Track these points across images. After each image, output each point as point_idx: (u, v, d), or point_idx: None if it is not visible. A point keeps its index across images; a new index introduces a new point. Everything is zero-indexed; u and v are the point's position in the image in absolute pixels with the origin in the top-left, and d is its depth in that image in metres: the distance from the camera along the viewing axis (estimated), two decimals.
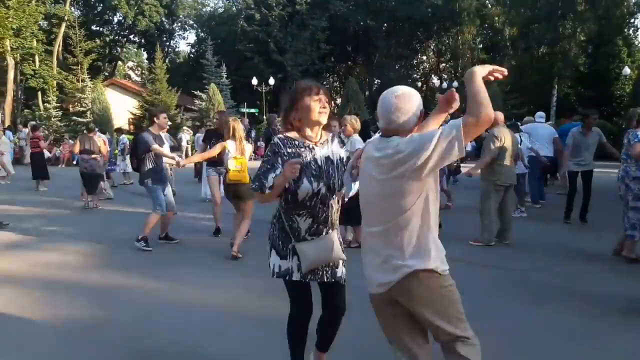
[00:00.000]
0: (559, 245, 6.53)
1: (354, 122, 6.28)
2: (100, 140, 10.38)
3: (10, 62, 32.10)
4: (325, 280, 2.59)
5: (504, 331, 3.66)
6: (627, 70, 27.31)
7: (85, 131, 10.55)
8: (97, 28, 47.19)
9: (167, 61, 43.92)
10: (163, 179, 6.52)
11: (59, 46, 38.93)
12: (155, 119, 6.57)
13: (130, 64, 57.18)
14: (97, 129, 11.07)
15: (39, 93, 36.01)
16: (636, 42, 33.86)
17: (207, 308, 4.24)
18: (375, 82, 45.56)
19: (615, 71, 29.92)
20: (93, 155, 9.79)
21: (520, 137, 8.46)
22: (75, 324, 3.94)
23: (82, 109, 26.69)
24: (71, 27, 32.39)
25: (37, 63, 36.44)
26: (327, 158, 2.57)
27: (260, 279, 4.33)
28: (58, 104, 27.65)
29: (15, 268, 5.58)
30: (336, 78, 47.80)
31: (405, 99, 2.15)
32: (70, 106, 28.28)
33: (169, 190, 6.67)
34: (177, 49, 57.70)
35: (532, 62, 32.52)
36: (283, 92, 34.46)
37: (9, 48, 30.84)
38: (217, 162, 6.83)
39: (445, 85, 31.75)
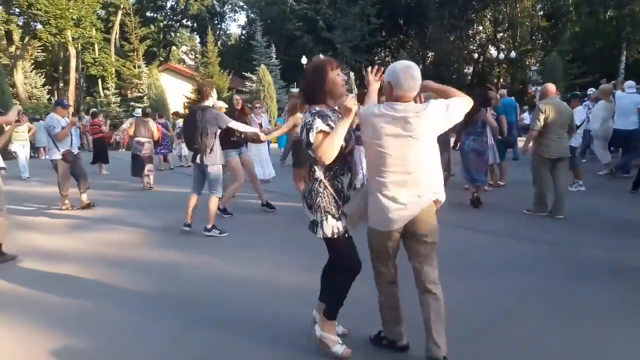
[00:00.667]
0: (617, 218, 6.32)
1: None
2: (154, 125, 10.75)
3: (72, 51, 33.55)
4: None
5: (546, 306, 3.71)
6: None
7: (141, 116, 10.89)
8: (151, 14, 48.37)
9: (219, 44, 44.53)
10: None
11: (116, 34, 40.27)
12: (210, 93, 6.11)
13: (184, 48, 58.39)
14: (148, 113, 11.38)
15: (99, 80, 37.53)
16: None
17: (259, 282, 4.40)
18: (429, 55, 44.29)
19: None
20: (145, 140, 10.17)
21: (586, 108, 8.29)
22: (133, 297, 4.23)
23: (139, 94, 27.62)
24: (127, 14, 33.39)
25: (97, 51, 37.91)
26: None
27: (307, 255, 4.42)
28: (116, 91, 28.72)
29: (77, 247, 5.99)
30: (388, 53, 46.83)
31: None
32: (129, 92, 29.33)
33: None
34: (228, 32, 58.36)
35: (597, 27, 30.46)
36: None
37: (70, 38, 32.22)
38: (236, 144, 7.03)
39: (502, 56, 30.22)
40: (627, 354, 3.01)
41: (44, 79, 34.38)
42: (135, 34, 29.53)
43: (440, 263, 2.86)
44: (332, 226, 2.76)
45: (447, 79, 36.26)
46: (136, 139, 10.33)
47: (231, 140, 6.88)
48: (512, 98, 12.32)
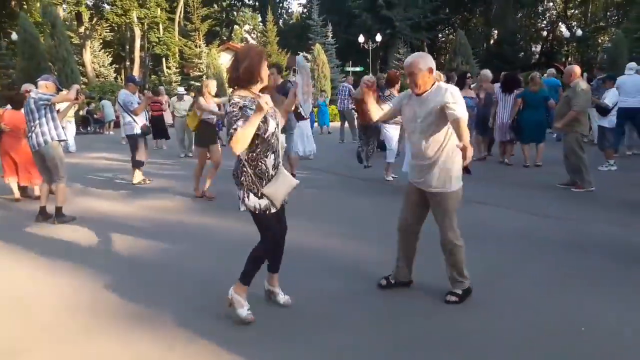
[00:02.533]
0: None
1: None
2: (203, 100, 11.16)
3: (137, 31, 34.93)
4: (284, 203, 3.25)
5: (541, 273, 3.99)
6: None
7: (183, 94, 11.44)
8: None
9: (280, 23, 44.83)
10: None
11: (180, 13, 41.46)
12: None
13: (246, 27, 59.26)
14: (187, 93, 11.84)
15: (163, 59, 38.93)
16: None
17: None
18: (494, 33, 42.62)
19: None
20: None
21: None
22: (173, 257, 4.65)
23: (199, 73, 28.47)
24: None
25: (161, 31, 39.24)
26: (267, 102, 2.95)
27: (326, 223, 4.98)
28: (178, 69, 29.75)
29: (128, 210, 6.68)
30: (451, 30, 45.47)
31: None
32: (190, 71, 30.29)
33: None
34: (289, 10, 58.59)
35: None
36: (391, 49, 33.66)
37: (135, 19, 33.55)
38: None
39: (568, 33, 28.54)
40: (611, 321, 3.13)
41: (112, 58, 36.10)
42: (197, 13, 30.30)
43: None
44: (253, 203, 3.04)
45: (511, 59, 34.81)
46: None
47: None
48: (555, 78, 12.00)
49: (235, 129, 2.85)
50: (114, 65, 36.58)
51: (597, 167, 8.22)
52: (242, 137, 2.83)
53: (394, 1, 33.58)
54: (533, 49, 43.60)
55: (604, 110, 8.50)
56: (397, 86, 7.52)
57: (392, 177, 8.01)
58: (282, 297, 3.45)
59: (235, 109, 2.90)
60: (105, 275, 4.17)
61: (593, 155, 8.67)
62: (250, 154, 3.02)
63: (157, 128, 13.57)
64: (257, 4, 52.89)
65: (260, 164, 3.03)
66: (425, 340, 2.98)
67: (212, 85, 7.48)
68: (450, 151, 3.27)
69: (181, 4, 40.65)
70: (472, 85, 9.69)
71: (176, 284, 4.00)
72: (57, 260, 4.62)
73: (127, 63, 42.37)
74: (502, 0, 37.51)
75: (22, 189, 7.53)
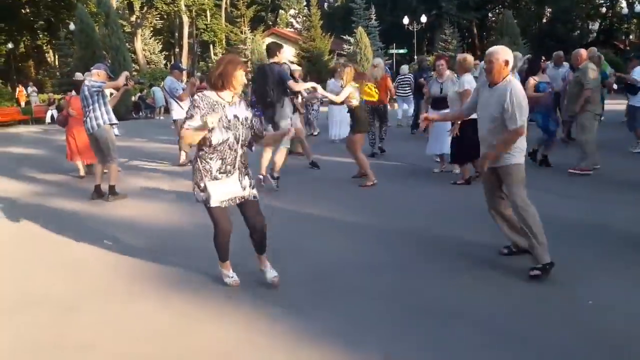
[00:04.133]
0: None
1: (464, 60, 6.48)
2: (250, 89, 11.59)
3: (185, 19, 35.84)
4: (238, 202, 3.45)
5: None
6: None
7: None
8: None
9: (325, 6, 44.75)
10: None
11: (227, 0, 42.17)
12: (277, 52, 6.44)
13: (292, 12, 59.37)
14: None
15: (211, 46, 39.79)
16: None
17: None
18: (546, 11, 40.96)
19: None
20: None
21: None
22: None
23: (244, 59, 29.00)
24: None
25: (209, 17, 40.07)
26: (235, 115, 3.30)
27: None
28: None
29: (172, 188, 7.17)
30: (501, 9, 43.96)
31: None
32: None
33: None
34: None
35: None
36: (437, 30, 33.07)
37: (183, 7, 34.45)
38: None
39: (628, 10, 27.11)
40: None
41: (161, 45, 37.24)
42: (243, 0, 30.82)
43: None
44: (195, 193, 3.39)
45: (564, 38, 33.48)
46: None
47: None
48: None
49: (182, 125, 3.23)
50: (163, 53, 37.74)
51: (627, 148, 8.08)
52: (184, 136, 3.21)
53: None
54: (590, 26, 41.64)
55: (633, 88, 8.20)
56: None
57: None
58: (269, 274, 3.64)
59: (193, 104, 3.23)
60: (148, 243, 4.70)
61: (624, 136, 8.54)
62: (199, 151, 3.34)
63: None
64: None
65: (205, 162, 3.31)
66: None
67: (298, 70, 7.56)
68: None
69: None
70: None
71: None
72: (106, 231, 5.17)
73: (177, 50, 43.60)
74: None
75: (89, 167, 8.18)
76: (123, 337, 3.04)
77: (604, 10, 41.51)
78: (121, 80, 6.67)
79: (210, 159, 3.29)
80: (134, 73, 24.28)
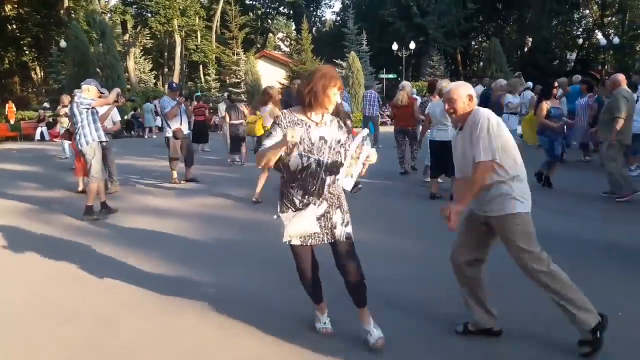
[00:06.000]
0: None
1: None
2: (244, 107, 11.91)
3: (178, 39, 36.18)
4: (326, 241, 2.91)
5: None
6: None
7: (230, 101, 12.21)
8: (250, 2, 50.43)
9: (313, 31, 45.50)
10: None
11: (217, 22, 42.62)
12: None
13: (280, 35, 60.27)
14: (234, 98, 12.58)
15: (200, 66, 40.06)
16: None
17: None
18: (528, 41, 42.28)
19: None
20: (237, 122, 11.23)
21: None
22: (224, 245, 5.34)
23: (236, 80, 29.30)
24: (228, 2, 35.29)
25: (199, 39, 40.43)
26: (322, 137, 2.80)
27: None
28: (216, 77, 30.73)
29: (181, 207, 7.40)
30: (484, 38, 45.27)
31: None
32: (227, 78, 31.16)
33: None
34: (323, 18, 59.33)
35: None
36: (424, 56, 33.83)
37: (176, 27, 34.82)
38: None
39: (605, 41, 28.25)
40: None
41: (151, 65, 37.41)
42: (235, 22, 31.23)
43: None
44: (282, 229, 2.90)
45: (544, 67, 34.52)
46: (230, 122, 11.44)
47: None
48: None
49: (263, 143, 2.82)
50: (153, 72, 37.88)
51: None
52: (261, 156, 2.77)
53: (428, 9, 33.77)
54: (568, 56, 43.03)
55: None
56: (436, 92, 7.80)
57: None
58: (373, 336, 3.00)
59: (276, 121, 2.84)
60: (172, 257, 4.85)
61: None
62: (281, 181, 2.97)
63: (199, 132, 14.15)
64: (291, 12, 53.79)
65: (286, 191, 2.90)
66: None
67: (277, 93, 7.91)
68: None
69: (218, 12, 41.80)
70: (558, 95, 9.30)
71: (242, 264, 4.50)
72: (123, 245, 5.31)
73: (165, 70, 43.76)
74: (537, 8, 37.24)
75: None
76: (164, 351, 3.13)
77: (580, 41, 43.01)
78: (112, 97, 6.79)
79: (292, 187, 2.86)
80: (128, 92, 24.29)
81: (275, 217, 2.93)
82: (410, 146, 9.60)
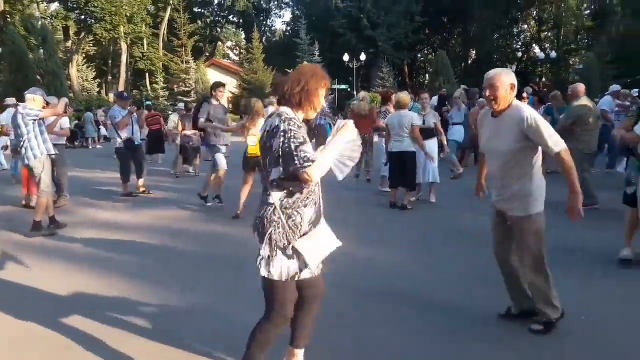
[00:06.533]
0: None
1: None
2: None
3: (124, 47, 35.14)
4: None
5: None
6: None
7: (186, 110, 11.89)
8: (199, 10, 49.79)
9: (263, 40, 45.37)
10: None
11: (164, 29, 41.75)
12: (212, 91, 7.50)
13: (229, 44, 59.79)
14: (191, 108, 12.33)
15: (147, 75, 39.04)
16: None
17: None
18: (472, 53, 43.95)
19: None
20: (191, 132, 10.90)
21: None
22: (181, 258, 5.06)
23: (186, 89, 28.74)
24: (176, 10, 34.65)
25: (145, 46, 39.43)
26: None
27: None
28: (165, 85, 30.05)
29: (134, 219, 7.00)
30: (430, 51, 46.70)
31: None
32: (175, 87, 30.52)
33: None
34: (273, 28, 59.35)
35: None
36: (374, 68, 34.43)
37: (123, 34, 33.81)
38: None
39: (543, 55, 29.82)
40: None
41: (95, 73, 36.12)
42: (185, 30, 30.68)
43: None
44: (280, 266, 2.30)
45: None
46: (184, 132, 11.12)
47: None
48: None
49: (307, 157, 2.17)
50: (97, 80, 36.57)
51: None
52: (325, 166, 2.27)
53: (378, 22, 34.47)
54: (509, 69, 45.06)
55: None
56: (392, 103, 7.95)
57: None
58: None
59: (295, 128, 2.24)
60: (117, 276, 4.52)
61: None
62: (287, 199, 2.31)
63: (154, 142, 13.66)
64: (241, 21, 53.53)
65: (295, 214, 2.31)
66: None
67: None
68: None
69: (166, 19, 40.98)
70: None
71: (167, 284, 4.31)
72: (68, 264, 4.91)
73: (109, 78, 42.39)
74: (480, 22, 38.83)
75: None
76: None
77: (520, 54, 45.16)
78: (61, 107, 6.40)
79: (305, 205, 2.33)
80: (71, 100, 23.24)
81: (287, 251, 2.30)
82: (366, 153, 9.62)
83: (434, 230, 6.10)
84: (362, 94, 10.03)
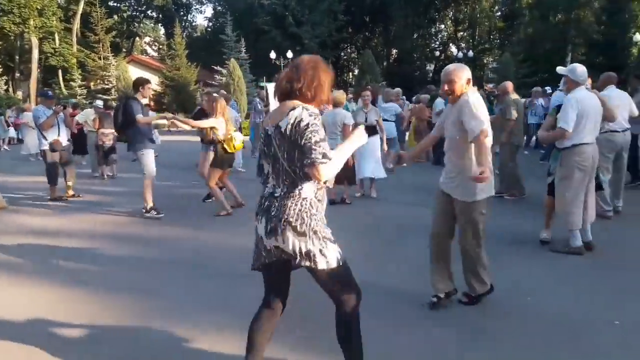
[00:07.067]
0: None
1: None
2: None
3: (34, 41, 32.74)
4: None
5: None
6: (637, 36, 26.77)
7: (104, 108, 11.46)
8: (115, 4, 47.45)
9: (184, 36, 44.10)
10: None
11: (77, 24, 39.33)
12: (140, 87, 6.76)
13: (147, 39, 57.53)
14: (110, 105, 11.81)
15: (60, 71, 36.60)
16: None
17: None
18: (393, 52, 45.34)
19: (629, 36, 29.29)
20: (109, 131, 10.48)
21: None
22: (137, 260, 4.77)
23: (106, 86, 27.32)
24: (90, 4, 32.76)
25: (57, 41, 36.94)
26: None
27: None
28: (82, 82, 28.39)
29: (67, 225, 6.61)
30: (354, 49, 47.65)
31: None
32: (92, 84, 28.89)
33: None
34: (194, 23, 57.84)
35: (546, 30, 32.24)
36: None
37: (33, 28, 31.47)
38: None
39: (461, 54, 31.53)
40: None
41: (0, 69, 33.38)
42: (101, 25, 29.09)
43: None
44: (334, 254, 2.32)
45: (409, 76, 37.32)
46: (101, 130, 10.64)
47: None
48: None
49: (325, 154, 2.16)
50: (3, 77, 33.77)
51: None
52: (337, 166, 2.26)
53: (302, 19, 34.66)
54: (427, 67, 47.03)
55: None
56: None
57: None
58: None
59: (318, 122, 2.22)
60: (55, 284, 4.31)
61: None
62: (318, 191, 2.35)
63: (79, 143, 12.88)
64: (160, 16, 51.66)
65: (315, 207, 2.33)
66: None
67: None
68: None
69: (79, 13, 38.65)
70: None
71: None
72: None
73: (17, 75, 39.39)
74: (401, 22, 40.19)
75: None
76: None
77: (437, 53, 47.28)
78: None
79: (319, 200, 2.36)
80: None
81: (328, 242, 2.30)
82: None
83: (374, 223, 6.34)
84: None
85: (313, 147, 2.15)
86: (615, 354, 3.00)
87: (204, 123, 6.82)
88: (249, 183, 8.12)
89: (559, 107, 4.86)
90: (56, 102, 9.13)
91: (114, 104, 11.53)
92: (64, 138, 8.34)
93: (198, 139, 7.69)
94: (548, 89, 13.36)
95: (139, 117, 6.61)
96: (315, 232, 2.27)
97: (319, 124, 2.21)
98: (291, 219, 2.24)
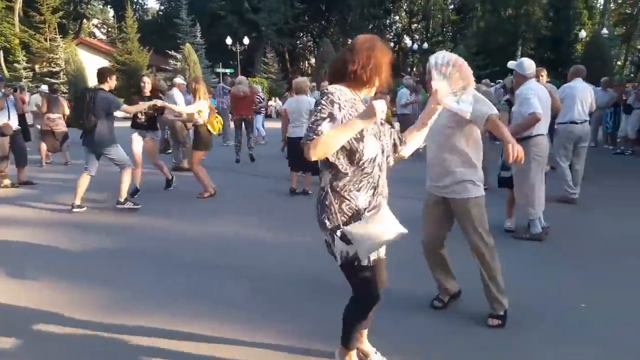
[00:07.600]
0: None
1: None
2: (65, 101, 10.86)
3: None
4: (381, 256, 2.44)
5: None
6: (582, 33, 28.21)
7: (50, 92, 11.08)
8: None
9: (135, 19, 42.59)
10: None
11: (20, 3, 37.19)
12: (108, 78, 6.25)
13: (95, 21, 55.18)
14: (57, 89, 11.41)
15: (1, 52, 34.56)
16: (597, 5, 34.98)
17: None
18: (349, 42, 45.34)
19: (575, 33, 30.72)
20: (56, 116, 10.12)
21: None
22: (107, 250, 4.51)
23: (54, 69, 26.05)
24: None
25: None
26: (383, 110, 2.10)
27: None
28: (28, 65, 26.97)
29: (21, 214, 6.38)
30: (310, 38, 47.50)
31: None
32: (37, 66, 27.47)
33: None
34: (145, 6, 55.91)
35: (498, 24, 33.34)
36: (257, 52, 34.21)
37: None
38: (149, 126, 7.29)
39: (416, 46, 32.14)
40: None
41: None
42: (47, 4, 27.66)
43: None
44: (340, 250, 2.21)
45: None
46: (48, 115, 10.21)
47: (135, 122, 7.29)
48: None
49: (317, 132, 2.02)
50: None
51: None
52: (327, 142, 2.02)
53: (259, 5, 34.20)
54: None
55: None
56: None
57: None
58: None
59: (326, 102, 2.08)
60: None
61: None
62: (335, 182, 2.17)
63: (26, 128, 12.34)
64: None
65: (348, 198, 2.16)
66: None
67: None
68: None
69: None
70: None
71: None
72: None
73: None
74: (357, 12, 40.35)
75: None
76: None
77: (392, 44, 47.86)
78: None
79: (357, 189, 2.17)
80: None
81: (336, 236, 2.18)
82: (247, 135, 10.35)
83: None
84: (241, 78, 10.94)
85: (310, 125, 2.06)
86: (580, 335, 3.15)
87: (191, 108, 7.04)
88: (215, 171, 8.08)
89: (507, 102, 5.09)
90: (5, 85, 8.73)
91: (62, 88, 11.11)
92: (14, 122, 7.99)
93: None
94: (500, 82, 13.79)
95: (125, 107, 6.53)
96: (324, 225, 2.21)
97: (327, 103, 2.08)
98: (317, 206, 2.26)
